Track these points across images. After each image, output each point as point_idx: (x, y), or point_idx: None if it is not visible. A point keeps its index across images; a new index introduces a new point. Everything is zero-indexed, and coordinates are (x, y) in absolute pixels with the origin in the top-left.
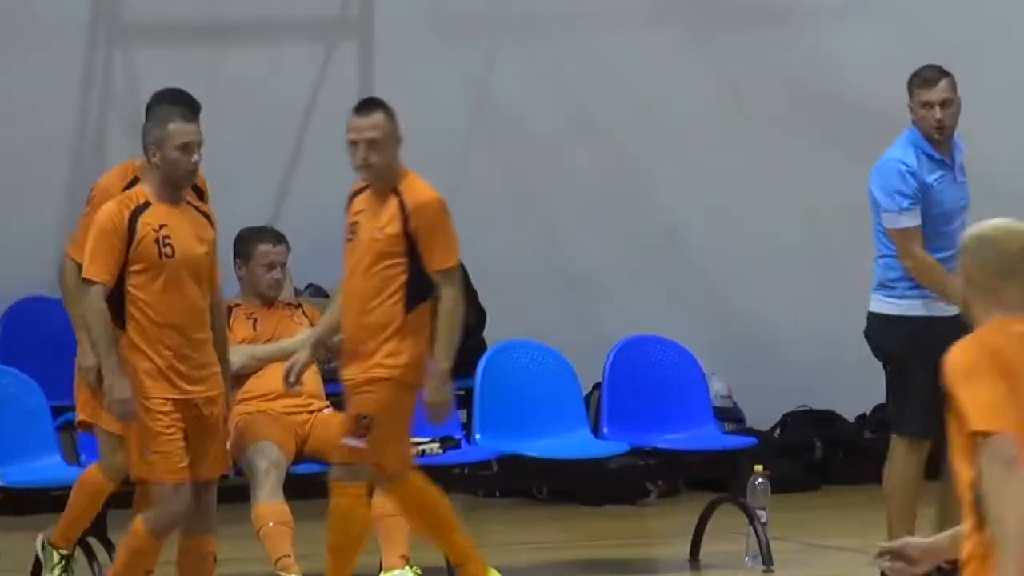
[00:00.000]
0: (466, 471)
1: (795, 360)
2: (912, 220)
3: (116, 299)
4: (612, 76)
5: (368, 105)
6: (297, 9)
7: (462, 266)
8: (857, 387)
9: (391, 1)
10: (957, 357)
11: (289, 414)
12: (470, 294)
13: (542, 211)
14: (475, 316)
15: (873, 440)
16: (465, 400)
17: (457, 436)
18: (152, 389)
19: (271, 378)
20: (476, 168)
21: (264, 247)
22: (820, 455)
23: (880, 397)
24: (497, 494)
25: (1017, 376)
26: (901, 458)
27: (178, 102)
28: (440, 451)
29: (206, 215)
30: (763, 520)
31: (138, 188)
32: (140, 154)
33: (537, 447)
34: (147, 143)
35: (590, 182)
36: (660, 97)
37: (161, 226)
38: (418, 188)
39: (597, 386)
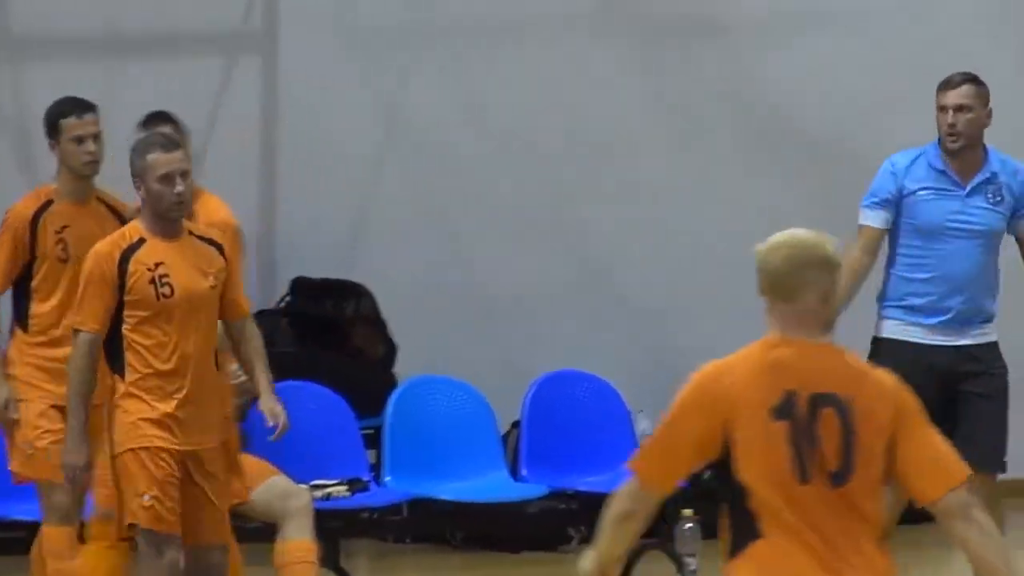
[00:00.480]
0: (375, 515)
1: None
2: (868, 219)
3: (114, 345)
4: (535, 91)
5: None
6: (197, 21)
7: (371, 295)
8: None
9: (296, 12)
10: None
11: None
12: (379, 325)
13: (458, 235)
14: (384, 349)
15: None
16: (374, 439)
17: (365, 478)
18: (152, 437)
19: None
20: (388, 188)
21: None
22: None
23: None
24: (408, 540)
25: (715, 413)
26: None
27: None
28: (347, 494)
29: (213, 242)
30: (692, 568)
31: (132, 225)
32: (51, 178)
33: (451, 490)
34: (132, 176)
35: (511, 204)
36: (587, 114)
37: (157, 264)
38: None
39: (516, 424)
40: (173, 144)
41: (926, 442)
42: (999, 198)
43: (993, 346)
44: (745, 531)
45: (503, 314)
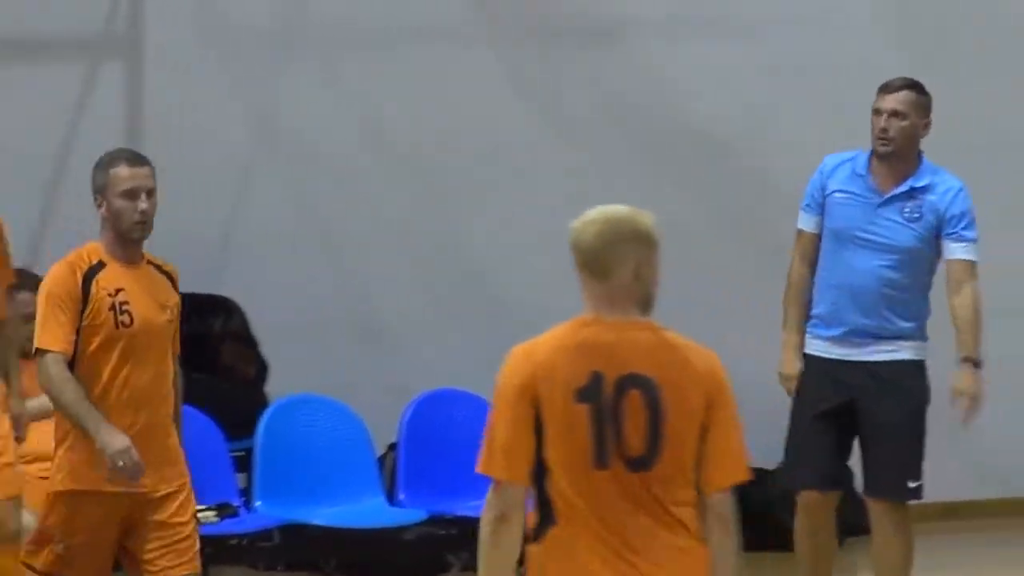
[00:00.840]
0: (244, 542)
1: None
2: (800, 223)
3: (71, 369)
4: (415, 98)
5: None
6: (57, 25)
7: (241, 310)
8: None
9: (162, 15)
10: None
11: (44, 478)
12: (249, 342)
13: (335, 248)
14: (255, 367)
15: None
16: (244, 462)
17: (235, 503)
18: (95, 480)
19: (29, 439)
20: (260, 199)
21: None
22: None
23: None
24: (280, 568)
25: (528, 393)
26: (796, 515)
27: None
28: (215, 520)
29: (169, 275)
30: None
31: (91, 245)
32: None
33: (325, 515)
34: (94, 192)
35: (390, 216)
36: (474, 122)
37: (117, 290)
38: None
39: (393, 447)
40: (140, 160)
41: (724, 433)
42: (916, 215)
43: (902, 365)
44: (544, 516)
45: (382, 331)
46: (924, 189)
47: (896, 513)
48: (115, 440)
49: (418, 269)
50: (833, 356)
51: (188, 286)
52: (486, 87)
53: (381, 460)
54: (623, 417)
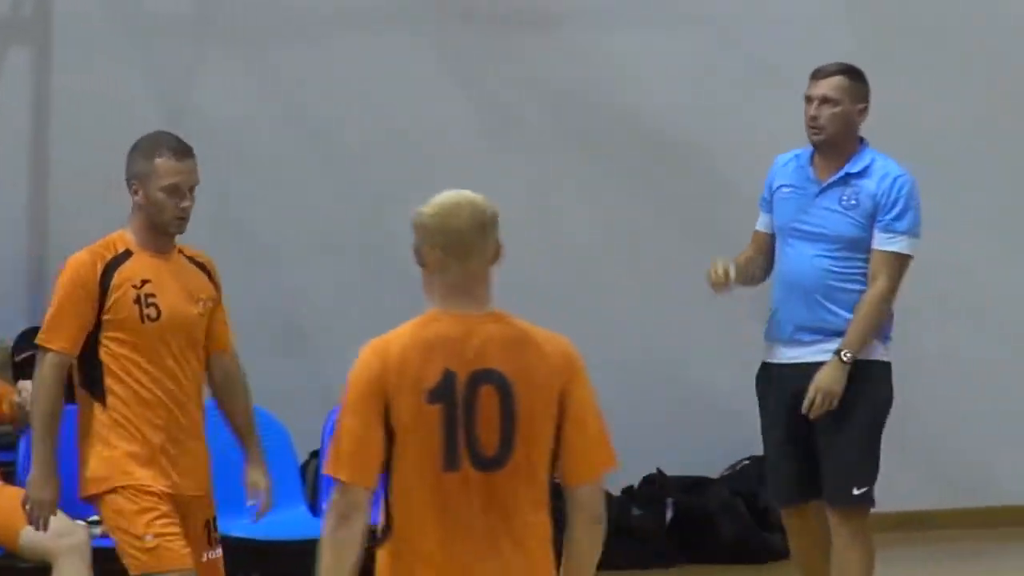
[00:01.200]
0: None
1: None
2: (757, 223)
3: (91, 368)
4: (343, 88)
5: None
6: None
7: None
8: (624, 455)
9: (71, 0)
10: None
11: None
12: None
13: (256, 246)
14: None
15: (641, 518)
16: None
17: None
18: (143, 476)
19: None
20: None
21: None
22: None
23: (651, 467)
24: None
25: (379, 393)
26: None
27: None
28: None
29: (203, 267)
30: None
31: (119, 233)
32: None
33: (243, 526)
34: (129, 177)
35: (318, 213)
36: (404, 115)
37: (144, 282)
38: None
39: (315, 454)
40: (186, 151)
41: (583, 422)
42: (853, 202)
43: (854, 365)
44: (389, 519)
45: (305, 334)
46: (860, 174)
47: (851, 521)
48: (44, 490)
49: (343, 269)
50: (785, 360)
51: None
52: (416, 76)
53: (303, 468)
54: (476, 416)
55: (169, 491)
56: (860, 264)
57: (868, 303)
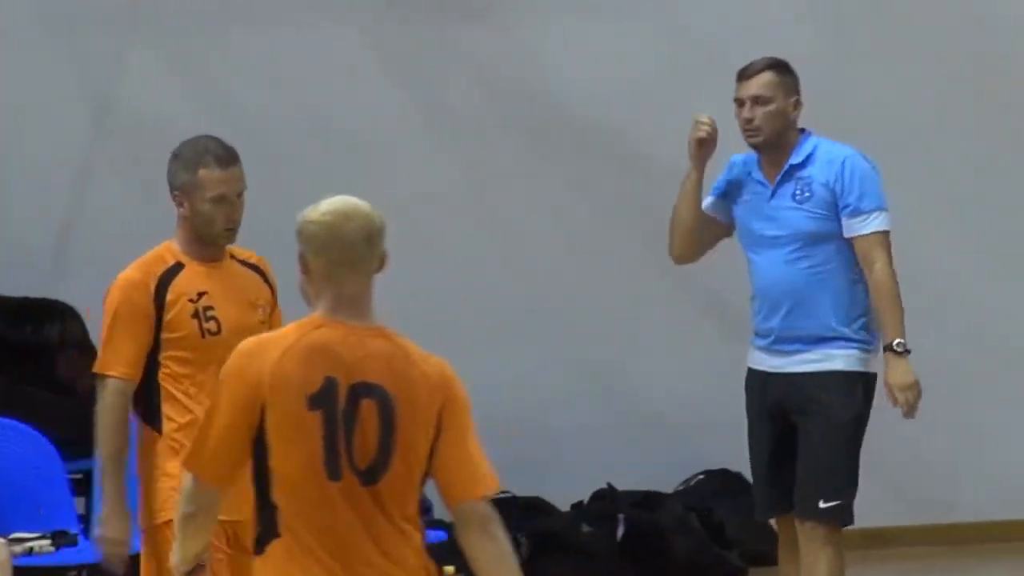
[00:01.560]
0: (84, 573)
1: (497, 434)
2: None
3: (147, 393)
4: (274, 81)
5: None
6: None
7: (79, 316)
8: (573, 469)
9: None
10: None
11: None
12: (89, 352)
13: None
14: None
15: (591, 535)
16: (83, 485)
17: (73, 530)
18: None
19: None
20: (100, 194)
21: None
22: (527, 553)
23: (601, 482)
24: None
25: (252, 396)
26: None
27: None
28: (52, 549)
29: (256, 268)
30: None
31: (165, 245)
32: None
33: None
34: (172, 188)
35: (246, 212)
36: (334, 109)
37: (200, 294)
38: None
39: None
40: (231, 157)
41: (462, 443)
42: (807, 194)
43: (829, 378)
44: (268, 526)
45: None
46: (803, 164)
47: (816, 534)
48: (117, 529)
49: (277, 272)
50: (766, 368)
51: (20, 290)
52: (347, 66)
53: None
54: (355, 426)
55: (225, 518)
56: (828, 261)
57: (879, 289)
